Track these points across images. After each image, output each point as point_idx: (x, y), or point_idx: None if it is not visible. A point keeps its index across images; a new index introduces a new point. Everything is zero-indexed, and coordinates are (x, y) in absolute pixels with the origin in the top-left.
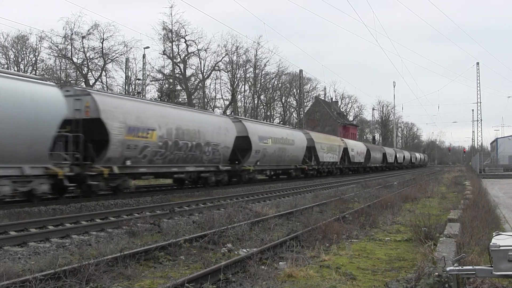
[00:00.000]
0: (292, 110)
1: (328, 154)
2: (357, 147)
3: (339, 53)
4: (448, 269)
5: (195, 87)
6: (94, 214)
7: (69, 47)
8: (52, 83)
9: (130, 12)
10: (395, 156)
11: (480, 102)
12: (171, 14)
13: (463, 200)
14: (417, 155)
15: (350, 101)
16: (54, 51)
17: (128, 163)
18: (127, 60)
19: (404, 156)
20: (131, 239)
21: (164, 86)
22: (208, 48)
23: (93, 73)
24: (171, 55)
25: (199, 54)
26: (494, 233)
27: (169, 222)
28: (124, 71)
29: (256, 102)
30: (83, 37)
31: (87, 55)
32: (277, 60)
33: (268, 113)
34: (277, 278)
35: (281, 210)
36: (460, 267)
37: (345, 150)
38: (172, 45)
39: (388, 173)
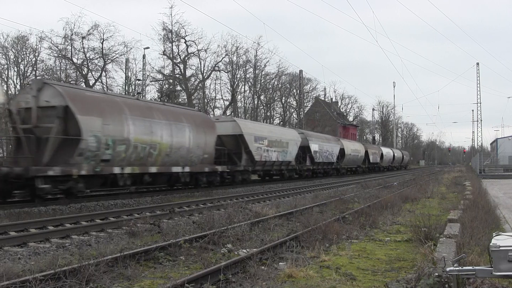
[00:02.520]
0: (292, 110)
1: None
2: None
3: (339, 53)
4: (448, 269)
5: (195, 87)
6: (94, 214)
7: (69, 47)
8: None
9: (130, 12)
10: (317, 152)
11: (480, 102)
12: (171, 14)
13: (463, 200)
14: (384, 150)
15: (350, 101)
16: (54, 52)
17: None
18: (127, 60)
19: (347, 151)
20: (131, 240)
21: (164, 87)
22: (208, 48)
23: (93, 73)
24: (171, 56)
25: (199, 55)
26: (494, 233)
27: (169, 223)
28: (124, 71)
29: (256, 102)
30: (83, 38)
31: (87, 55)
32: (277, 60)
33: (268, 114)
34: (277, 279)
35: (281, 210)
36: (460, 268)
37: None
38: (172, 45)
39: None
